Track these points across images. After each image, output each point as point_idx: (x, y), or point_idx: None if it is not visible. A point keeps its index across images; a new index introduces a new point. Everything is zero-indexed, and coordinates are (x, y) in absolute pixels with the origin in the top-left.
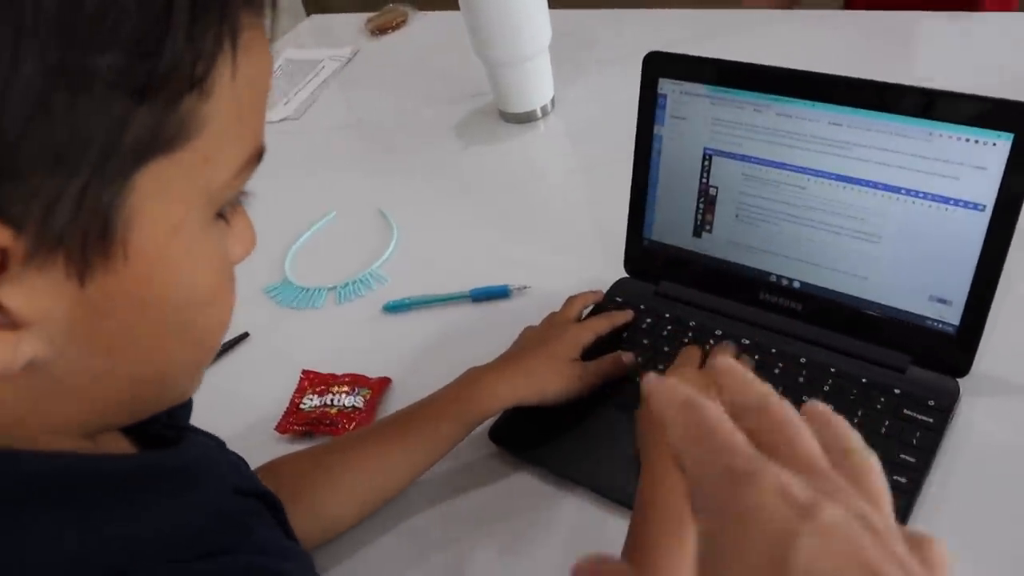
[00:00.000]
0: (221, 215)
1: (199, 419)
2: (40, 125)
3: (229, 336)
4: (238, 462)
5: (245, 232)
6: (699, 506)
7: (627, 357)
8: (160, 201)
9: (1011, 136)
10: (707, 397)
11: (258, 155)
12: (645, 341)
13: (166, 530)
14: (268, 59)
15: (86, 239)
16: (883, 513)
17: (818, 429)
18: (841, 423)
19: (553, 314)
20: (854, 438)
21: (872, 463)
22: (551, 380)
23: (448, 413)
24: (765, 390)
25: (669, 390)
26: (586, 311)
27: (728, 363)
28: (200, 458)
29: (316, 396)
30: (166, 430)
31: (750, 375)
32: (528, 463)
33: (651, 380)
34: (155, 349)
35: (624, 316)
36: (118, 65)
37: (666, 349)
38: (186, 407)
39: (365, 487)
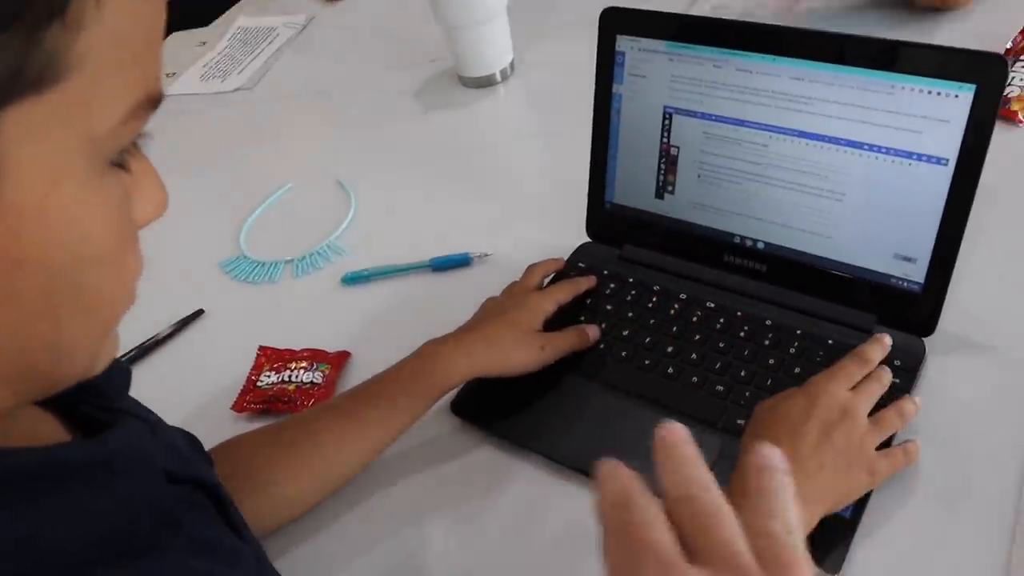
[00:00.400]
0: (120, 165)
1: (152, 401)
2: None
3: (183, 313)
4: (180, 447)
5: (154, 192)
6: None
7: (592, 331)
8: (31, 148)
9: (973, 87)
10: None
11: (152, 101)
12: (609, 307)
13: (75, 531)
14: None
15: None
16: None
17: (750, 495)
18: (779, 494)
19: (514, 284)
20: (778, 518)
21: (794, 547)
22: (512, 351)
23: (407, 388)
24: (695, 476)
25: (609, 486)
26: (548, 279)
27: (669, 441)
28: (124, 447)
29: (273, 372)
30: (97, 412)
31: (689, 455)
32: (491, 435)
33: (601, 470)
34: (40, 316)
35: (587, 282)
36: None
37: (630, 314)
38: (119, 385)
39: (324, 466)
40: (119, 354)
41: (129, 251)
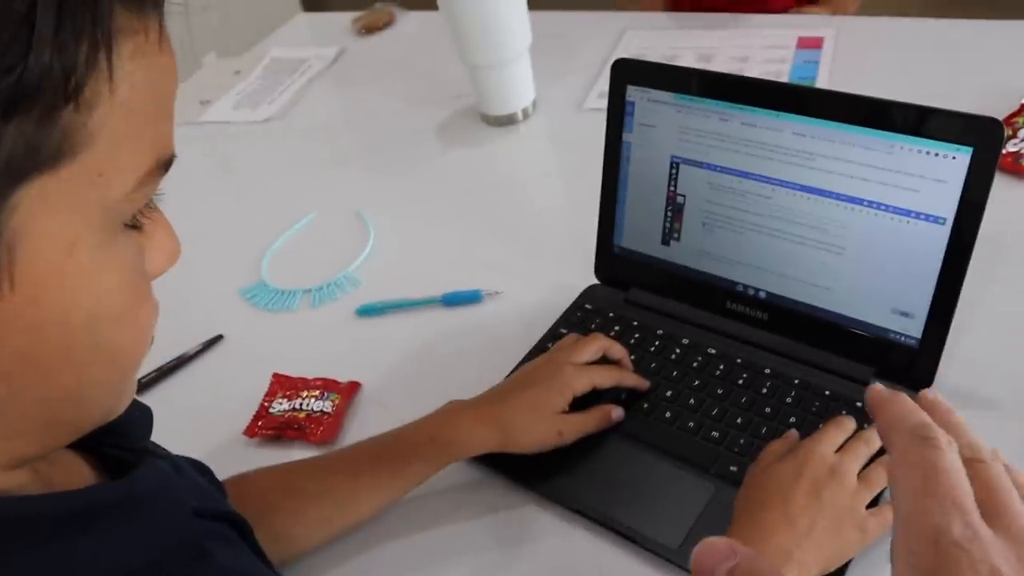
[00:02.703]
0: (133, 226)
1: (168, 422)
2: None
3: (203, 337)
4: (202, 484)
5: (166, 242)
6: (903, 558)
7: (616, 413)
8: (48, 220)
9: (970, 150)
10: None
11: (164, 164)
12: None
13: (108, 570)
14: (163, 61)
15: None
16: None
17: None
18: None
19: (557, 350)
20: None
21: None
22: (527, 435)
23: (422, 452)
24: (977, 439)
25: (897, 411)
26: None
27: (935, 398)
28: (151, 487)
29: (286, 400)
30: (122, 452)
31: (962, 423)
32: (496, 473)
33: (874, 394)
34: (61, 371)
35: (638, 382)
36: None
37: (632, 358)
38: (142, 426)
39: (331, 516)
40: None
41: (143, 303)
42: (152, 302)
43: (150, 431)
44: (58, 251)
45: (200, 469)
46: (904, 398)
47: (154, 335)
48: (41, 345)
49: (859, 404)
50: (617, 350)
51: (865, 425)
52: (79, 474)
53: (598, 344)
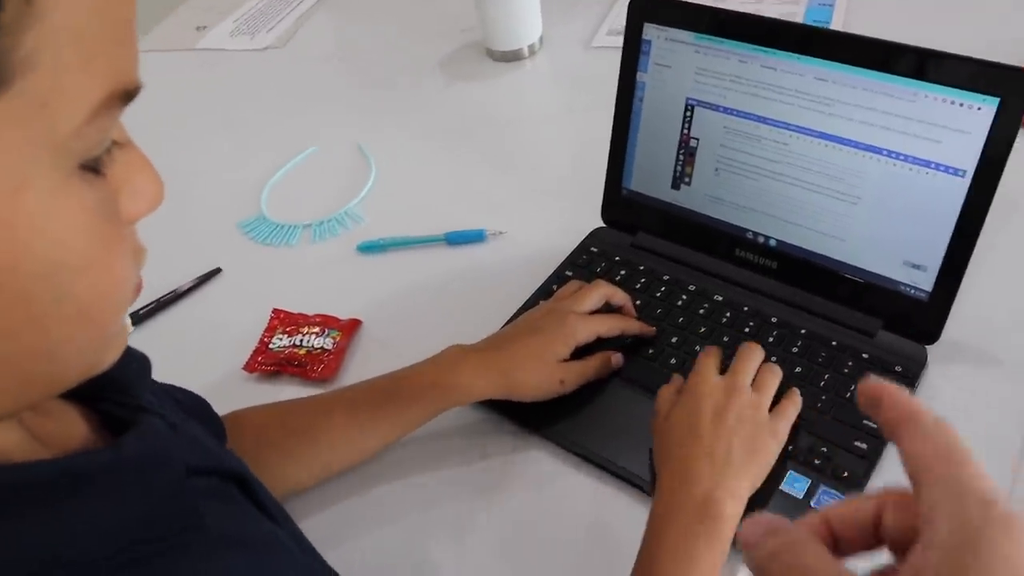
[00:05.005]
0: (93, 168)
1: (167, 355)
2: None
3: (201, 270)
4: (199, 436)
5: (145, 185)
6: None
7: (616, 359)
8: None
9: (996, 100)
10: None
11: (122, 95)
12: None
13: (91, 539)
14: None
15: None
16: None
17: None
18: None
19: (560, 298)
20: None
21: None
22: (531, 382)
23: (423, 396)
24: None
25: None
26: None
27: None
28: (141, 451)
29: (286, 336)
30: (119, 409)
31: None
32: (499, 416)
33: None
34: (22, 325)
35: (642, 328)
36: None
37: (638, 303)
38: (138, 377)
39: (327, 458)
40: (132, 309)
41: (114, 252)
42: (130, 248)
43: (148, 381)
44: (4, 193)
45: (199, 406)
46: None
47: (141, 282)
48: None
49: (865, 355)
50: (620, 296)
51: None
52: (75, 433)
53: (601, 291)
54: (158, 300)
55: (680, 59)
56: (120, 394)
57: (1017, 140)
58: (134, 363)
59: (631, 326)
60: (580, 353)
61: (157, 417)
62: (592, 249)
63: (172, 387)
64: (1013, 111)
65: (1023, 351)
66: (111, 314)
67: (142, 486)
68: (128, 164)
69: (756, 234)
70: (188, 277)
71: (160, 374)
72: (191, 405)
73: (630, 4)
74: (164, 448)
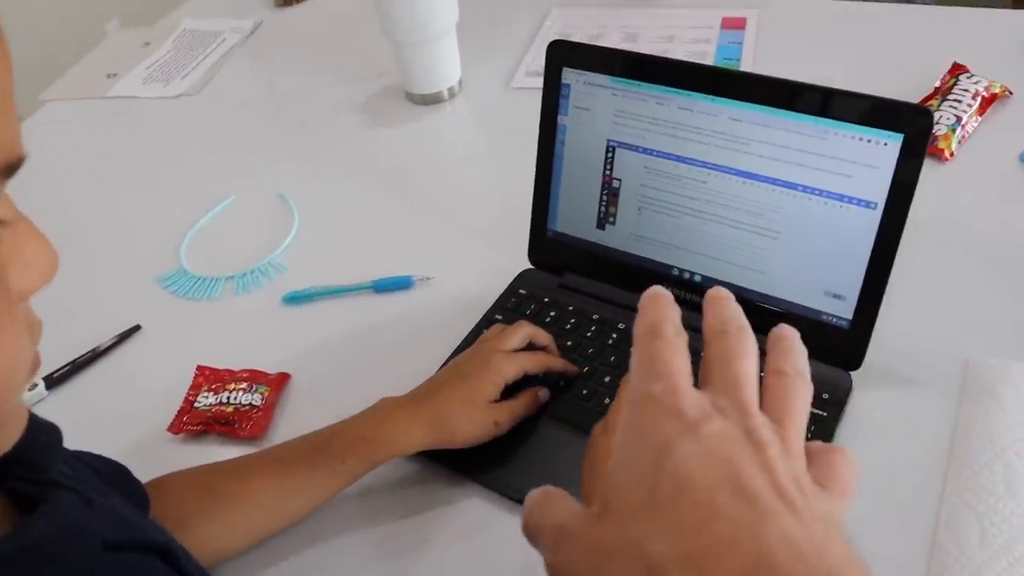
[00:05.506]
0: None
1: (86, 419)
2: None
3: (119, 328)
4: (118, 508)
5: (38, 256)
6: (619, 432)
7: (542, 393)
8: None
9: (901, 136)
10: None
11: (5, 168)
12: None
13: None
14: None
15: None
16: (788, 432)
17: (771, 351)
18: (792, 349)
19: (484, 340)
20: (791, 363)
21: (798, 386)
22: (464, 429)
23: (354, 452)
24: (729, 316)
25: (646, 315)
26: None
27: (716, 291)
28: (51, 531)
29: (212, 393)
30: (28, 486)
31: (731, 304)
32: (433, 463)
33: (644, 297)
34: None
35: (567, 367)
36: None
37: (568, 343)
38: (49, 452)
39: (256, 519)
40: (47, 372)
41: (4, 331)
42: (22, 324)
43: (58, 453)
44: None
45: (119, 474)
46: (659, 303)
47: (39, 358)
48: None
49: None
50: (543, 336)
51: None
52: None
53: (524, 331)
54: (73, 361)
55: (599, 102)
56: (28, 470)
57: (923, 171)
58: (42, 435)
59: (555, 363)
60: (508, 394)
61: (71, 492)
62: (521, 291)
63: (88, 455)
64: (917, 145)
65: (942, 372)
66: (4, 393)
67: (55, 568)
68: (17, 236)
69: (681, 270)
70: (106, 336)
71: (79, 440)
72: (109, 473)
73: (548, 49)
74: (77, 524)
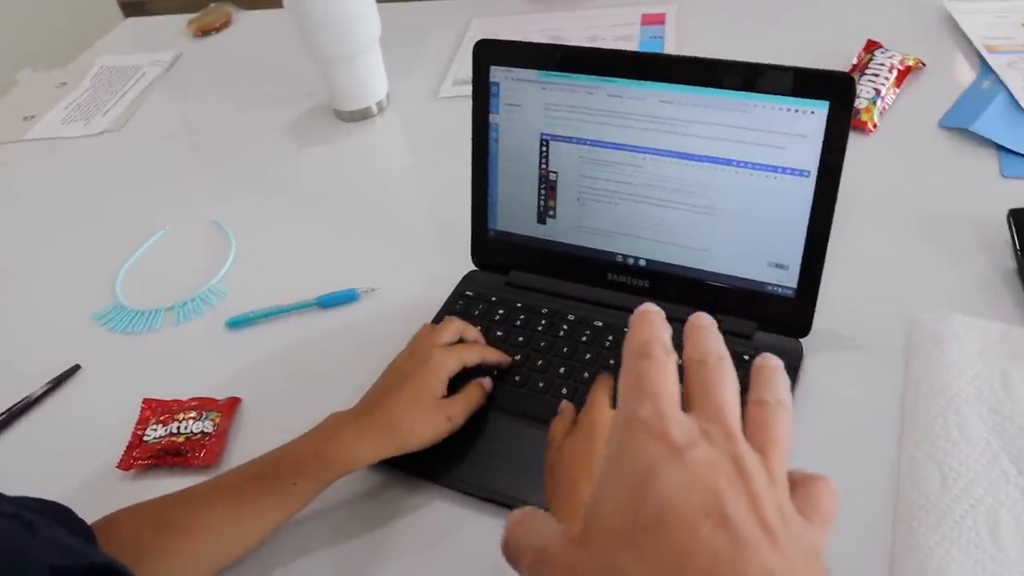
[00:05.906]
0: None
1: (31, 463)
2: None
3: (58, 370)
4: (60, 537)
5: None
6: (608, 446)
7: (486, 382)
8: None
9: (826, 103)
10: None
11: None
12: (499, 333)
13: None
14: None
15: None
16: (772, 463)
17: (753, 380)
18: (773, 378)
19: (416, 340)
20: (772, 392)
21: (780, 415)
22: (418, 431)
23: (306, 471)
24: (708, 346)
25: (636, 334)
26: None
27: (697, 318)
28: None
29: (160, 425)
30: None
31: (711, 333)
32: (390, 468)
33: (635, 315)
34: None
35: (501, 358)
36: None
37: (520, 339)
38: None
39: (214, 549)
40: None
41: None
42: None
43: None
44: None
45: (62, 514)
46: (649, 321)
47: None
48: None
49: (746, 357)
50: (471, 332)
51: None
52: None
53: (455, 326)
54: (10, 409)
55: (529, 97)
56: None
57: (849, 144)
58: None
59: (490, 354)
60: (448, 391)
61: (11, 519)
62: (467, 293)
63: (29, 499)
64: (843, 111)
65: (887, 331)
66: None
67: None
68: None
69: (626, 257)
70: (43, 379)
71: (24, 485)
72: (54, 514)
73: (475, 48)
74: (19, 549)
